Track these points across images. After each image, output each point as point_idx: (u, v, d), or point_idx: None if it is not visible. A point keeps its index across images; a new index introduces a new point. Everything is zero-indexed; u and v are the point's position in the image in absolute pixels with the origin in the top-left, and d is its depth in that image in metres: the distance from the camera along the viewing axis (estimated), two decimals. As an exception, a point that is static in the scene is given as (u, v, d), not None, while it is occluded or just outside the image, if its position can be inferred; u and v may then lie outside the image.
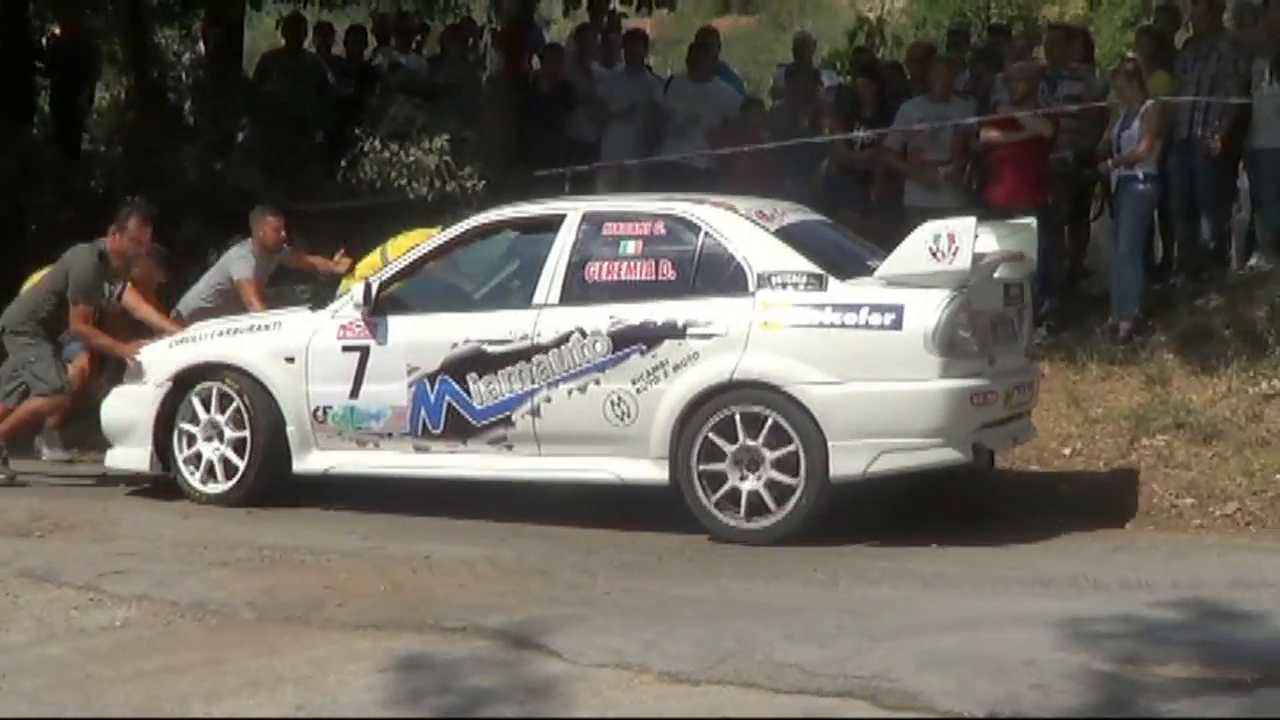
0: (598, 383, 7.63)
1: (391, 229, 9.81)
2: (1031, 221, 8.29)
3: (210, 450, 8.38)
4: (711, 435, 7.41)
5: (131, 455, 8.64)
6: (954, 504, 7.99)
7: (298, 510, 8.23)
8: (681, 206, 7.96)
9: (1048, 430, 8.61)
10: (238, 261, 9.94)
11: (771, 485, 7.35)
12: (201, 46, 14.47)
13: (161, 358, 8.70)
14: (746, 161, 10.84)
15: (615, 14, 13.84)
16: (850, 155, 11.38)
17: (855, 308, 7.34)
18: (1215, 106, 10.42)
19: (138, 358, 8.77)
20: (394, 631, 5.82)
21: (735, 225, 7.77)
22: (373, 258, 9.48)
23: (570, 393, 7.68)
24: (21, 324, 9.27)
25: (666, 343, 7.54)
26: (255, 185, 11.39)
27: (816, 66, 14.27)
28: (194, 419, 8.43)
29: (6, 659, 5.71)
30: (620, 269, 7.81)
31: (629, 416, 7.58)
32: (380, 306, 8.14)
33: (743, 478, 7.39)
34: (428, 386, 7.96)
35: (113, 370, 9.16)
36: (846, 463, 7.25)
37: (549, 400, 7.73)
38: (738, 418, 7.38)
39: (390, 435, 8.10)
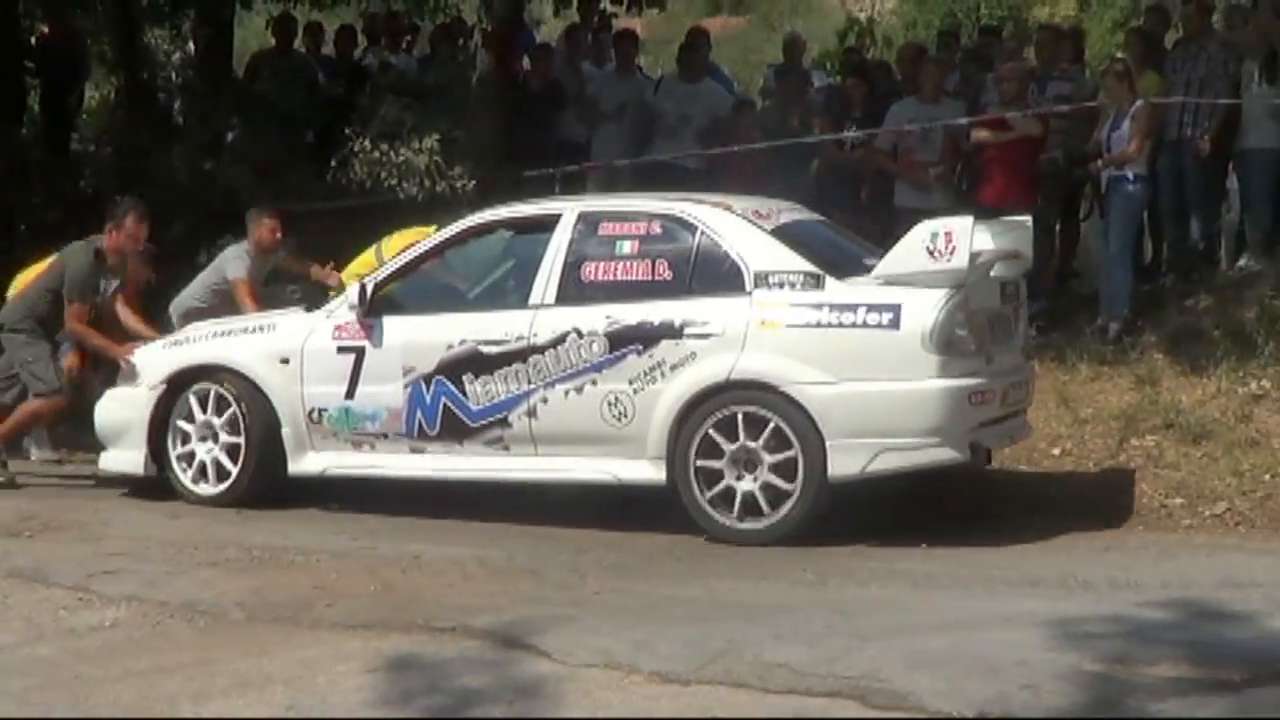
0: (594, 383, 7.61)
1: (382, 229, 9.80)
2: (1027, 219, 8.28)
3: (204, 451, 8.36)
4: (711, 433, 7.40)
5: (125, 458, 8.60)
6: (944, 504, 7.98)
7: (287, 510, 8.21)
8: (678, 206, 7.95)
9: (1038, 430, 8.60)
10: (233, 262, 9.92)
11: (767, 488, 7.34)
12: (191, 46, 14.45)
13: (155, 359, 8.66)
14: (737, 162, 10.83)
15: (605, 14, 13.82)
16: (840, 156, 11.37)
17: (852, 307, 7.33)
18: (1205, 107, 10.44)
19: (131, 359, 8.72)
20: (383, 632, 5.82)
21: (731, 224, 7.75)
22: (367, 256, 9.47)
23: (567, 393, 7.66)
24: (19, 322, 9.24)
25: (663, 343, 7.53)
26: (245, 185, 11.34)
27: (807, 67, 14.29)
28: (190, 417, 8.40)
29: (-5, 659, 5.69)
30: (616, 269, 7.79)
31: (626, 417, 7.57)
32: (375, 307, 8.11)
33: (739, 478, 7.38)
34: (423, 387, 7.94)
35: (107, 372, 9.12)
36: (844, 462, 7.24)
37: (545, 401, 7.71)
38: (738, 417, 7.37)
39: (386, 436, 8.08)
